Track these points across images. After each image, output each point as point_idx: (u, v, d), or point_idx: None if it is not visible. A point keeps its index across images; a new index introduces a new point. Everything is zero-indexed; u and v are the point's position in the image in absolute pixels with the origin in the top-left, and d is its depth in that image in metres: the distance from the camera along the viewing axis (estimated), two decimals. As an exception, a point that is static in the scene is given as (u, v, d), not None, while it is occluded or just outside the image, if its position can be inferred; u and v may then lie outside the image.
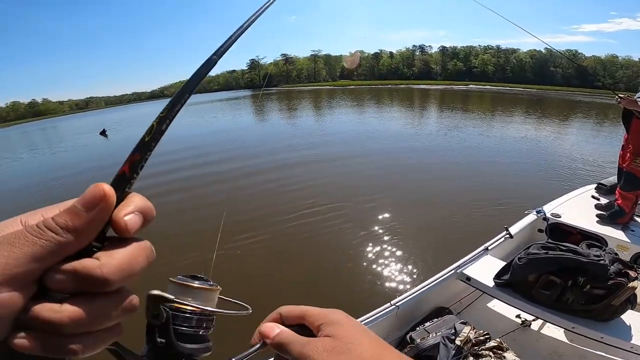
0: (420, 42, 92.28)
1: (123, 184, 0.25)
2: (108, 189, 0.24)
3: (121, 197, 0.25)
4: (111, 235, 0.25)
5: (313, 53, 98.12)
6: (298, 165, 8.76)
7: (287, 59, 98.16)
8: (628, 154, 2.99)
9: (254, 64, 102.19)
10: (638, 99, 2.77)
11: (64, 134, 30.34)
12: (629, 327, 1.87)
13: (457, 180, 7.12)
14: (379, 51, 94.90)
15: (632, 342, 1.81)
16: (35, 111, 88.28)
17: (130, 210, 0.24)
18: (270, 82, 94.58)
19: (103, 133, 21.46)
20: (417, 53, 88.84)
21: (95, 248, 0.24)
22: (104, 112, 66.95)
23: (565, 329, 1.98)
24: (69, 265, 0.22)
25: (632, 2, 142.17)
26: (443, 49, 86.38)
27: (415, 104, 28.98)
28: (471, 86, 62.12)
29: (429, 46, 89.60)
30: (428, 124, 16.10)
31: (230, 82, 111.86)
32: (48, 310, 0.21)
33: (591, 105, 26.82)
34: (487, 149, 10.19)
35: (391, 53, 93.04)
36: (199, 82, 0.29)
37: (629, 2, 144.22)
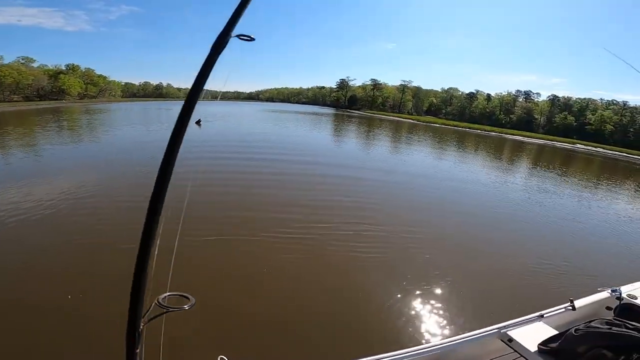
0: (526, 88, 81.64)
1: None
2: None
3: None
4: None
5: (403, 83, 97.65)
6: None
7: (376, 85, 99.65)
8: None
9: (342, 84, 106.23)
10: None
11: (170, 116, 35.75)
12: None
13: (533, 248, 6.47)
14: (474, 91, 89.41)
15: None
16: (159, 93, 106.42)
17: None
18: (354, 105, 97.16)
19: (198, 122, 24.53)
20: (520, 99, 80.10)
21: None
22: (207, 104, 76.75)
23: None
24: None
25: None
26: (553, 98, 76.11)
27: (503, 157, 26.51)
28: (579, 145, 54.18)
29: (537, 93, 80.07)
30: (514, 183, 14.64)
31: (318, 97, 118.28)
32: None
33: None
34: (574, 218, 9.00)
35: (488, 95, 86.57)
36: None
37: None
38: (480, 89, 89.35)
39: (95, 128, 22.42)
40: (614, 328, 1.81)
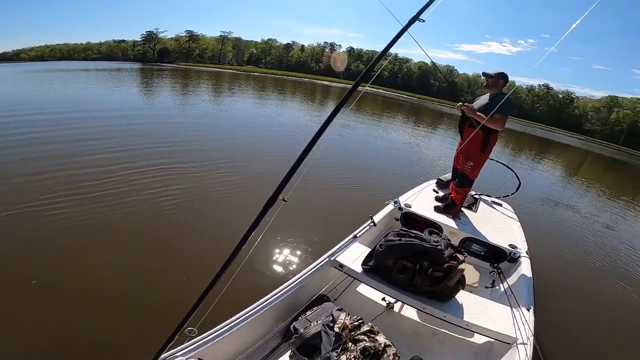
0: (332, 40, 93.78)
1: None
2: None
3: None
4: None
5: (223, 34, 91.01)
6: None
7: (192, 36, 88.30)
8: (461, 157, 3.40)
9: (150, 36, 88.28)
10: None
11: None
12: (462, 306, 2.08)
13: (334, 171, 7.28)
14: (291, 42, 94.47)
15: (465, 319, 1.98)
16: None
17: None
18: (166, 58, 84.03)
19: None
20: (327, 50, 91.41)
21: None
22: None
23: (418, 309, 2.12)
24: None
25: (504, 28, 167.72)
26: (350, 50, 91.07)
27: (315, 100, 30.12)
28: (367, 88, 68.10)
29: (339, 45, 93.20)
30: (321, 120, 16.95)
31: (116, 52, 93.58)
32: None
33: (452, 117, 32.07)
34: (367, 145, 11.34)
35: (302, 46, 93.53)
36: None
37: (501, 28, 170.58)
38: (296, 40, 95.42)
39: None
40: (403, 239, 2.06)
